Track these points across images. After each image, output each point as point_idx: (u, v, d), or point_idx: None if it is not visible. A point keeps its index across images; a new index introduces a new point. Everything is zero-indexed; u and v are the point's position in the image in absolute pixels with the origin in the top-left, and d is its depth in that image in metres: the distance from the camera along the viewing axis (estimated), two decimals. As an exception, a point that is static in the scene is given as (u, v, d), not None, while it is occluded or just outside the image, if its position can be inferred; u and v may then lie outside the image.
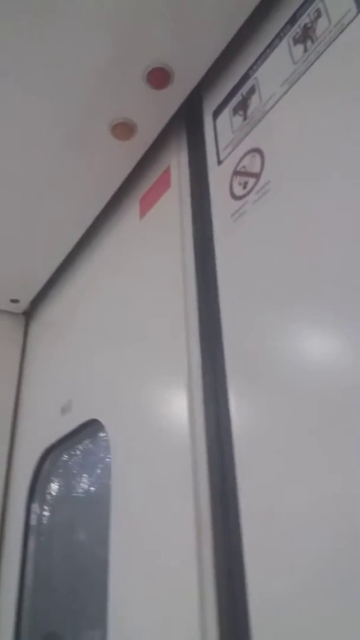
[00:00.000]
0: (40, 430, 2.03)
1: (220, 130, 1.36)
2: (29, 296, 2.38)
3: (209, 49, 1.35)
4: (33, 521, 1.96)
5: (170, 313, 1.36)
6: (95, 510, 1.72)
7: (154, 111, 1.49)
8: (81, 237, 2.03)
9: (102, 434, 1.68)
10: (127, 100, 1.46)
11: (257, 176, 1.18)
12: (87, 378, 1.78)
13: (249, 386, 1.04)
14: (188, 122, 1.57)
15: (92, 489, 1.89)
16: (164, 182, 1.59)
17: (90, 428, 1.70)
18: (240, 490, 0.98)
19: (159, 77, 1.39)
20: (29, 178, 1.70)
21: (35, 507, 1.97)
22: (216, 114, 1.40)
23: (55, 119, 1.50)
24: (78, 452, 1.97)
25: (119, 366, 1.56)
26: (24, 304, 2.44)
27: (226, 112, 1.36)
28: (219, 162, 1.32)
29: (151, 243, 1.58)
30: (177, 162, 1.55)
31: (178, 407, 1.22)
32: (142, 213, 1.68)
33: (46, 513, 1.98)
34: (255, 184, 1.17)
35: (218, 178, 1.31)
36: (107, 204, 1.86)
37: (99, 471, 1.81)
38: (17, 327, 2.47)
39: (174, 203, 1.49)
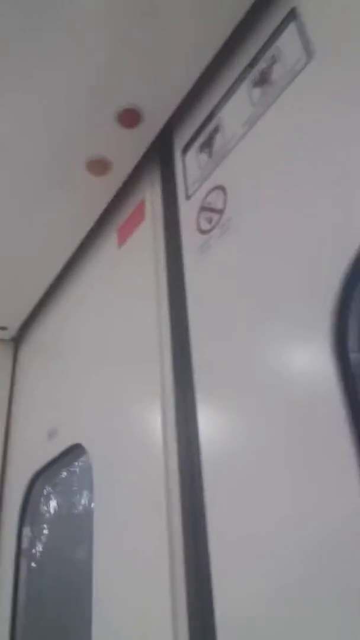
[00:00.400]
0: (29, 455, 2.07)
1: (189, 166, 1.43)
2: (16, 323, 2.43)
3: (176, 91, 1.43)
4: (25, 544, 1.99)
5: (145, 338, 1.41)
6: (83, 531, 1.76)
7: (127, 149, 1.57)
8: (64, 264, 2.09)
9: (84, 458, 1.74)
10: (101, 139, 1.53)
11: (220, 212, 1.24)
12: (71, 403, 1.82)
13: (217, 407, 1.10)
14: (161, 157, 1.64)
15: (79, 508, 1.93)
16: (139, 215, 1.66)
17: (75, 452, 1.75)
18: (208, 509, 1.03)
19: (129, 117, 1.47)
20: (11, 211, 1.77)
21: (26, 530, 2.00)
22: (185, 150, 1.47)
23: (34, 154, 1.56)
24: (65, 475, 2.03)
25: (100, 391, 1.61)
26: (12, 331, 2.49)
27: (194, 149, 1.43)
28: (187, 197, 1.39)
29: (129, 270, 1.65)
30: (150, 195, 1.63)
31: (152, 428, 1.28)
32: (120, 241, 1.75)
33: (38, 533, 2.02)
34: (219, 220, 1.24)
35: (187, 212, 1.38)
36: (88, 232, 1.93)
37: (85, 492, 1.86)
38: (6, 354, 2.52)
39: (149, 234, 1.56)
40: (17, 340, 2.59)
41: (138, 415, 1.37)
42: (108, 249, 1.84)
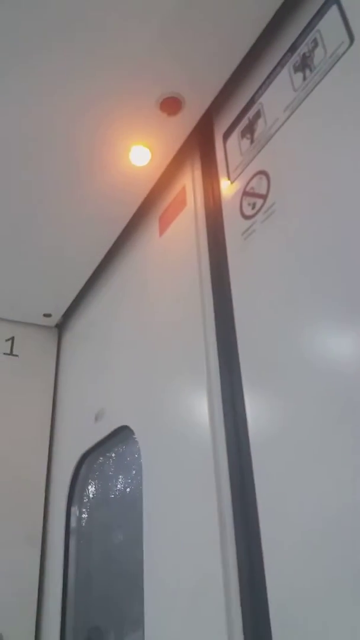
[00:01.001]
0: (76, 437, 2.13)
1: (230, 152, 1.44)
2: (60, 310, 2.49)
3: (216, 77, 1.44)
4: (73, 523, 2.05)
5: (189, 323, 1.44)
6: (132, 510, 1.80)
7: (169, 136, 1.59)
8: (106, 253, 2.14)
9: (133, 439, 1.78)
10: (144, 126, 1.56)
11: (264, 197, 1.25)
12: (117, 387, 1.86)
13: (264, 390, 1.12)
14: (202, 144, 1.66)
15: (128, 490, 1.98)
16: (181, 202, 1.68)
17: (122, 434, 1.79)
18: (258, 490, 1.06)
19: (171, 105, 1.49)
20: (55, 199, 1.82)
21: (74, 510, 2.07)
22: (226, 136, 1.48)
23: (79, 141, 1.60)
24: (113, 456, 2.08)
25: (145, 375, 1.64)
26: (56, 318, 2.55)
27: (235, 135, 1.44)
28: (230, 183, 1.41)
29: (171, 258, 1.67)
30: (191, 182, 1.64)
31: (199, 411, 1.30)
32: (162, 230, 1.77)
33: (85, 515, 2.09)
34: (262, 205, 1.25)
35: (229, 198, 1.39)
36: (129, 221, 1.96)
37: (134, 472, 1.91)
38: (50, 340, 2.58)
39: (191, 221, 1.58)
40: (61, 327, 2.65)
41: (184, 397, 1.39)
42: (150, 237, 1.86)
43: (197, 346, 1.37)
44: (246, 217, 1.30)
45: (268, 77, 1.35)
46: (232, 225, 1.35)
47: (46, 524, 2.18)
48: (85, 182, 1.75)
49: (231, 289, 1.30)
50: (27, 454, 2.26)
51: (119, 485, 2.04)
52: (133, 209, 1.89)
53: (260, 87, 1.38)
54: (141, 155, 1.63)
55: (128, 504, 1.89)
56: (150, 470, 1.49)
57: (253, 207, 1.28)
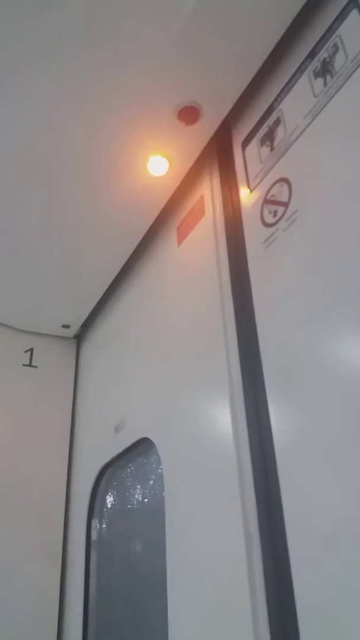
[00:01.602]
0: (96, 449, 2.11)
1: (250, 160, 1.42)
2: (78, 321, 2.49)
3: (234, 86, 1.43)
4: (94, 536, 2.03)
5: (210, 334, 1.42)
6: (154, 522, 1.78)
7: (187, 145, 1.58)
8: (124, 263, 2.12)
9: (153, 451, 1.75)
10: (162, 136, 1.55)
11: (285, 205, 1.23)
12: (136, 398, 1.84)
13: (288, 399, 1.09)
14: (220, 152, 1.64)
15: (147, 500, 1.96)
16: (199, 211, 1.66)
17: (142, 445, 1.77)
18: (284, 499, 1.03)
19: (189, 114, 1.47)
20: (73, 210, 1.81)
21: (95, 522, 2.05)
22: (245, 144, 1.47)
23: (97, 151, 1.59)
24: (133, 468, 2.05)
25: (165, 386, 1.63)
26: (74, 329, 2.55)
27: (254, 142, 1.42)
28: (250, 191, 1.39)
29: (189, 268, 1.65)
30: (210, 191, 1.62)
31: (222, 422, 1.27)
32: (180, 240, 1.75)
33: (106, 527, 2.06)
34: (284, 213, 1.23)
35: (249, 206, 1.37)
36: (147, 232, 1.95)
37: (151, 482, 1.89)
38: (69, 351, 2.58)
39: (209, 230, 1.56)
40: (79, 338, 2.64)
41: (206, 408, 1.37)
42: (168, 247, 1.85)
43: (218, 356, 1.35)
44: (267, 225, 1.27)
45: (287, 83, 1.33)
46: (253, 234, 1.33)
47: (66, 537, 2.16)
48: (102, 193, 1.74)
49: (252, 297, 1.28)
50: (46, 466, 2.25)
51: (139, 497, 2.02)
52: (151, 219, 1.88)
53: (279, 94, 1.36)
54: (159, 165, 1.62)
55: (150, 516, 1.87)
56: (172, 481, 1.48)
57: (274, 215, 1.26)
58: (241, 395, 1.25)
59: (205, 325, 1.46)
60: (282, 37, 1.33)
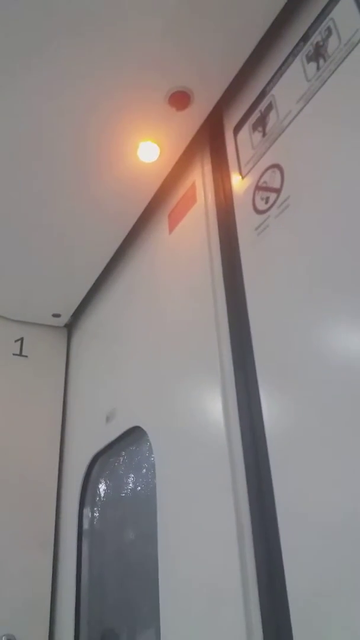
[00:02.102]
0: (87, 438, 2.10)
1: (241, 146, 1.40)
2: (69, 310, 2.47)
3: (226, 71, 1.40)
4: (85, 525, 2.02)
5: (201, 321, 1.40)
6: (145, 510, 1.76)
7: (177, 131, 1.55)
8: (115, 252, 2.10)
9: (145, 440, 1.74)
10: (152, 121, 1.52)
11: (277, 191, 1.22)
12: (128, 387, 1.83)
13: (279, 387, 1.09)
14: (211, 139, 1.62)
15: (139, 489, 1.95)
16: (191, 198, 1.64)
17: (134, 434, 1.76)
18: (276, 488, 1.03)
19: (180, 99, 1.45)
20: (62, 198, 1.78)
21: (87, 511, 2.04)
22: (236, 130, 1.45)
23: (86, 138, 1.56)
24: (125, 455, 2.05)
25: (157, 374, 1.62)
26: (65, 318, 2.53)
27: (246, 128, 1.40)
28: (242, 177, 1.37)
29: (181, 255, 1.63)
30: (201, 178, 1.60)
31: (214, 410, 1.26)
32: (171, 227, 1.73)
33: (97, 516, 2.07)
34: (276, 199, 1.21)
35: (241, 192, 1.35)
36: (138, 219, 1.93)
37: (143, 471, 1.89)
38: (60, 340, 2.55)
39: (201, 217, 1.54)
40: (70, 327, 2.62)
41: (198, 396, 1.36)
42: (159, 234, 1.83)
43: (210, 344, 1.34)
44: (259, 212, 1.26)
45: (280, 68, 1.31)
46: (245, 221, 1.31)
47: (58, 526, 2.15)
48: (93, 180, 1.71)
49: (244, 285, 1.27)
50: (37, 456, 2.23)
51: (131, 485, 2.01)
52: (142, 206, 1.85)
53: (271, 79, 1.34)
54: (150, 151, 1.60)
55: (141, 504, 1.87)
56: (163, 470, 1.47)
57: (266, 202, 1.24)
58: (233, 383, 1.24)
59: (196, 314, 1.45)
60: (275, 21, 1.31)
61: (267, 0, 1.26)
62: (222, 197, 1.47)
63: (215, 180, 1.53)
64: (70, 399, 2.42)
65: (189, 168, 1.70)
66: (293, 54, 1.27)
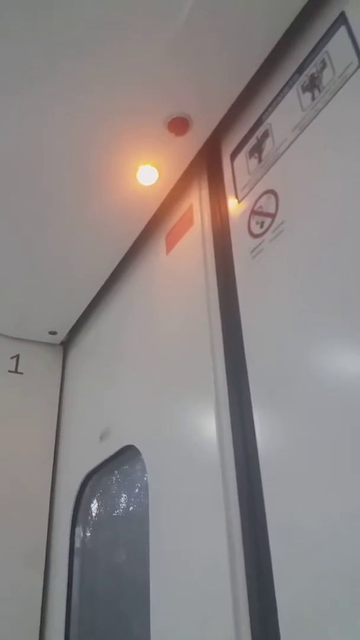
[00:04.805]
0: (81, 456, 2.09)
1: (238, 171, 1.44)
2: (65, 328, 2.48)
3: (224, 98, 1.45)
4: (77, 543, 2.01)
5: (197, 342, 1.43)
6: (137, 529, 1.77)
7: (175, 156, 1.59)
8: (113, 271, 2.12)
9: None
10: (151, 146, 1.56)
11: (272, 216, 1.25)
12: (122, 406, 1.84)
13: (273, 408, 1.11)
14: (209, 163, 1.65)
15: (131, 508, 1.95)
16: (188, 220, 1.67)
17: (127, 453, 1.74)
18: (267, 508, 1.04)
19: (179, 125, 1.49)
20: (62, 217, 1.81)
21: (79, 529, 2.03)
22: (233, 156, 1.49)
23: (87, 160, 1.59)
24: (118, 474, 2.05)
25: (152, 394, 1.63)
26: (61, 335, 2.54)
27: (242, 154, 1.44)
28: (238, 202, 1.40)
29: (177, 276, 1.66)
30: (199, 201, 1.64)
31: (208, 430, 1.28)
32: (168, 248, 1.76)
33: (89, 535, 2.06)
34: (271, 223, 1.24)
35: (237, 217, 1.39)
36: (136, 239, 1.95)
37: (137, 490, 1.90)
38: (55, 357, 2.56)
39: (198, 239, 1.57)
40: (66, 344, 2.64)
41: (192, 416, 1.38)
42: (156, 255, 1.86)
43: (204, 365, 1.36)
44: (254, 236, 1.29)
45: (276, 97, 1.35)
46: (240, 244, 1.34)
47: (50, 544, 2.15)
48: (93, 201, 1.74)
49: (239, 307, 1.29)
50: (31, 473, 2.23)
51: (124, 504, 2.01)
52: (140, 227, 1.88)
53: (268, 107, 1.38)
54: (149, 174, 1.63)
55: (134, 523, 1.86)
56: (156, 489, 1.48)
57: (261, 226, 1.27)
58: (227, 404, 1.26)
59: (192, 334, 1.47)
60: (272, 52, 1.35)
61: (266, 29, 1.30)
62: (218, 221, 1.50)
63: (212, 204, 1.57)
64: (64, 416, 2.42)
65: (187, 191, 1.73)
66: (289, 85, 1.31)
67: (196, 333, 1.44)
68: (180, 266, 1.66)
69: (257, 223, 1.29)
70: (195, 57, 1.33)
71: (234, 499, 1.15)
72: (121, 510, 1.98)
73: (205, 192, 1.62)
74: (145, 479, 1.59)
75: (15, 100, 1.42)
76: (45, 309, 2.34)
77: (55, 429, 2.39)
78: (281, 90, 1.34)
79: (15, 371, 2.40)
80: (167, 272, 1.74)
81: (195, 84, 1.40)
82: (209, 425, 1.28)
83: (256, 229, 1.29)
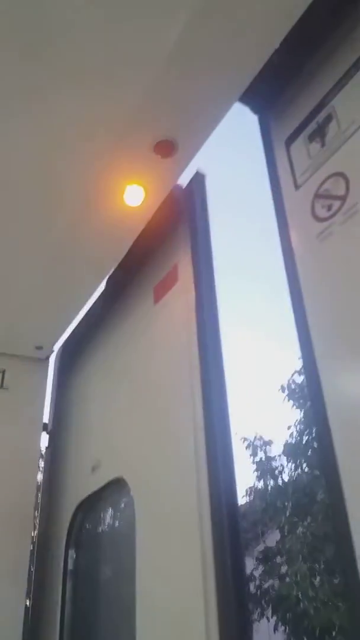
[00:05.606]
0: (75, 485, 2.07)
1: (296, 157, 1.34)
2: (52, 342, 2.36)
3: (208, 124, 1.46)
4: (70, 566, 1.97)
5: (179, 385, 1.54)
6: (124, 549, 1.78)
7: (162, 177, 1.58)
8: (105, 315, 2.15)
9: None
10: (138, 167, 1.54)
11: (342, 198, 1.15)
12: (113, 440, 1.90)
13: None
14: (191, 217, 1.69)
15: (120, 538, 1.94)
16: (173, 277, 1.75)
17: (117, 485, 1.78)
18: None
19: (165, 148, 1.47)
20: (50, 237, 1.76)
21: (72, 552, 1.98)
22: (289, 142, 1.38)
23: (76, 182, 1.57)
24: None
25: (139, 430, 1.72)
26: (47, 351, 2.39)
27: (301, 139, 1.34)
28: (296, 188, 1.30)
29: (164, 326, 1.75)
30: (183, 261, 1.70)
31: (187, 465, 1.39)
32: (156, 300, 1.83)
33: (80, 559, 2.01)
34: (341, 206, 1.14)
35: (297, 202, 1.29)
36: (127, 289, 2.02)
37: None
38: (42, 372, 2.41)
39: (182, 294, 1.66)
40: (63, 366, 2.53)
41: (173, 456, 1.51)
42: (145, 304, 1.91)
43: (185, 403, 1.46)
44: (320, 220, 1.19)
45: (340, 80, 1.28)
46: (302, 229, 1.26)
47: (44, 566, 2.05)
48: (80, 219, 1.73)
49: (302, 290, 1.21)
50: (14, 487, 2.07)
51: (112, 531, 2.04)
52: (125, 247, 1.85)
53: (330, 92, 1.30)
54: (135, 194, 1.60)
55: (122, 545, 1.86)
56: (141, 519, 1.57)
57: (329, 209, 1.17)
58: (203, 441, 1.35)
59: (175, 378, 1.58)
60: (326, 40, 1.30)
61: (248, 61, 1.31)
62: (200, 278, 1.56)
63: (194, 263, 1.61)
64: (59, 442, 2.31)
65: (172, 249, 1.80)
66: (356, 66, 1.24)
67: (179, 377, 1.55)
68: (166, 316, 1.75)
69: (322, 207, 1.19)
70: (181, 86, 1.35)
71: (208, 532, 1.25)
72: (110, 533, 2.03)
73: (188, 253, 1.65)
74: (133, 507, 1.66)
75: (9, 121, 1.41)
76: (31, 323, 2.21)
77: (39, 443, 2.24)
78: (347, 73, 1.26)
79: (1, 386, 2.22)
80: (155, 320, 1.83)
81: (180, 110, 1.42)
82: (189, 461, 1.38)
83: (322, 213, 1.19)
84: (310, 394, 1.12)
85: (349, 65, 1.26)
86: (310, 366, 1.10)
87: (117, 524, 2.02)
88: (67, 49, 1.24)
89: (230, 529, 1.20)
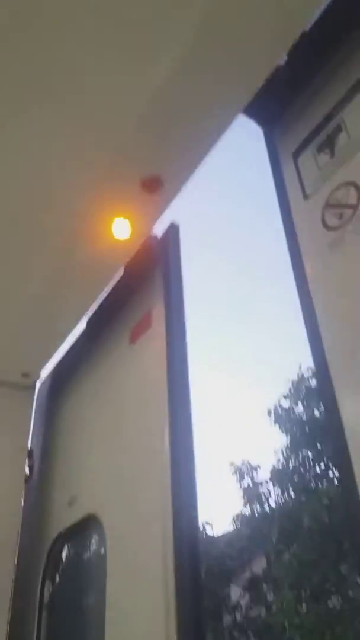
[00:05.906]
0: (52, 519, 2.05)
1: (304, 168, 1.32)
2: (38, 369, 2.30)
3: (193, 161, 1.49)
4: (46, 599, 1.94)
5: (149, 423, 1.59)
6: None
7: (148, 211, 1.63)
8: (87, 350, 2.15)
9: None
10: (126, 202, 1.58)
11: (354, 207, 1.13)
12: (88, 476, 1.92)
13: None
14: (165, 276, 1.73)
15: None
16: (147, 322, 1.79)
17: (90, 520, 1.79)
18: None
19: (151, 184, 1.50)
20: (38, 266, 1.76)
21: (48, 585, 1.96)
22: (297, 154, 1.36)
23: (65, 215, 1.59)
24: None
25: (112, 468, 1.76)
26: (34, 377, 2.32)
27: (309, 151, 1.31)
28: (304, 198, 1.28)
29: (138, 365, 1.82)
30: (156, 307, 1.75)
31: (153, 508, 1.43)
32: (132, 340, 1.88)
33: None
34: (353, 215, 1.12)
35: (306, 212, 1.26)
36: (106, 330, 2.05)
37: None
38: (27, 399, 2.32)
39: (154, 339, 1.71)
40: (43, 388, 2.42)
41: (143, 489, 1.54)
42: (122, 344, 1.95)
43: (157, 444, 1.50)
44: (331, 229, 1.16)
45: (348, 92, 1.27)
46: (312, 238, 1.23)
47: (22, 599, 1.96)
48: (68, 249, 1.71)
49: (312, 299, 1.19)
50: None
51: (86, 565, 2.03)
52: (109, 280, 1.88)
53: (338, 104, 1.28)
54: (123, 228, 1.63)
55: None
56: (114, 559, 1.59)
57: (340, 218, 1.15)
58: (169, 488, 1.39)
59: (148, 417, 1.62)
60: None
61: (232, 98, 1.34)
62: (171, 325, 1.62)
63: (167, 310, 1.67)
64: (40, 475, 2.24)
65: (147, 296, 1.84)
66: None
67: (152, 416, 1.59)
68: (142, 357, 1.81)
69: (334, 215, 1.17)
70: (166, 124, 1.39)
71: (171, 575, 1.28)
72: (85, 566, 2.04)
73: (161, 300, 1.71)
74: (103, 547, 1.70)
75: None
76: (19, 350, 2.16)
77: (24, 469, 2.16)
78: (356, 84, 1.24)
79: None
80: (131, 360, 1.88)
81: (166, 148, 1.45)
82: (155, 504, 1.42)
83: (333, 222, 1.16)
84: (325, 407, 1.09)
85: (358, 76, 1.25)
86: (323, 378, 1.07)
87: (92, 558, 2.01)
88: (58, 85, 1.28)
89: (191, 571, 1.28)
